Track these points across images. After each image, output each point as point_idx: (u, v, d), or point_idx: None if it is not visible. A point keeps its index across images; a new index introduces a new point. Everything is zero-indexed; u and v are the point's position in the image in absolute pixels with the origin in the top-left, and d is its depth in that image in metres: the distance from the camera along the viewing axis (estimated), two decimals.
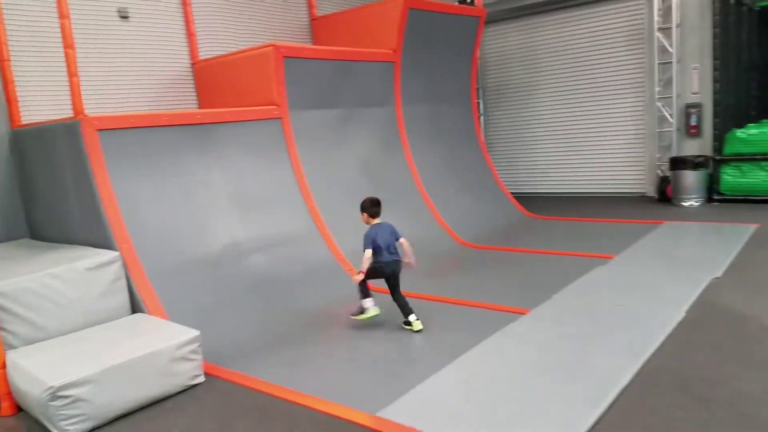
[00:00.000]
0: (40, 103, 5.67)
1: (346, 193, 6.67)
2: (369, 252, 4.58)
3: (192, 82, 7.00)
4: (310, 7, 8.35)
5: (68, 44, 4.65)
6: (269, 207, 5.83)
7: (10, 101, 5.39)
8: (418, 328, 4.57)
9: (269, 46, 6.03)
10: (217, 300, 4.93)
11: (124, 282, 4.48)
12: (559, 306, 4.82)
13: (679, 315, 4.39)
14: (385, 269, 4.68)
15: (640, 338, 4.00)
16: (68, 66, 4.69)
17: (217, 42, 7.26)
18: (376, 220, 4.82)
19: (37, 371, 3.45)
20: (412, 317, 4.62)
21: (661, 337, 4.01)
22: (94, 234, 4.71)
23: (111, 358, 3.58)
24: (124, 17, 6.31)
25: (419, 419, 3.17)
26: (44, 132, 5.06)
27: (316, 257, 5.90)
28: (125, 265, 4.51)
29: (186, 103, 6.94)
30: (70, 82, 4.72)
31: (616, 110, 9.99)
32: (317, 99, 6.64)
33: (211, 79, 6.80)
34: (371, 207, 4.82)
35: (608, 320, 4.40)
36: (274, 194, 5.93)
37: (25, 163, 5.36)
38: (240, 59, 6.38)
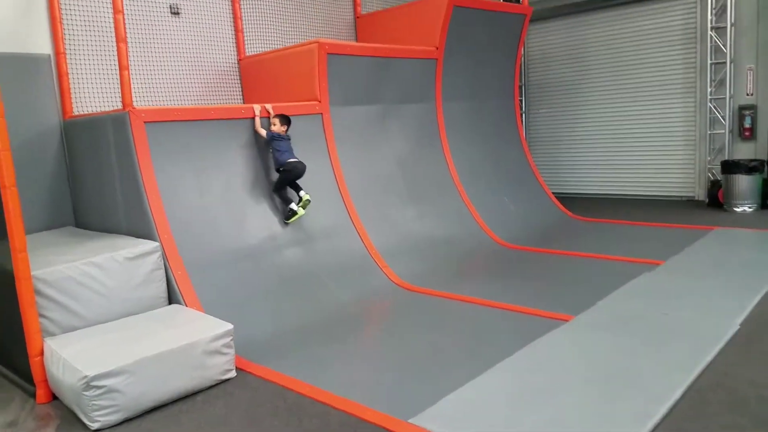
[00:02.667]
0: (91, 95, 5.62)
1: (382, 188, 6.44)
2: (265, 133, 5.26)
3: (238, 77, 6.88)
4: (355, 5, 8.12)
5: (121, 38, 4.56)
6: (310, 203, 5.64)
7: (64, 93, 5.37)
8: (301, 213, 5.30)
9: (313, 42, 5.84)
10: (252, 293, 4.77)
11: (162, 272, 4.36)
12: (605, 313, 4.42)
13: (733, 327, 3.98)
14: (292, 169, 5.23)
15: (691, 351, 3.62)
16: (119, 59, 4.61)
17: (263, 39, 7.12)
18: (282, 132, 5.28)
19: (73, 360, 3.34)
20: (294, 207, 5.29)
21: (714, 351, 3.62)
22: (136, 224, 4.62)
23: (145, 349, 3.44)
24: (175, 13, 6.23)
25: (453, 428, 2.91)
26: (94, 123, 5.00)
27: (350, 252, 5.69)
28: (164, 256, 4.40)
29: (231, 98, 6.83)
30: (121, 75, 4.64)
31: (665, 111, 9.40)
32: (358, 95, 6.42)
33: (257, 75, 6.66)
34: (281, 118, 5.29)
35: (657, 330, 4.01)
36: (312, 188, 5.74)
37: (74, 153, 5.33)
38: (285, 55, 6.21)
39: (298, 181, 5.37)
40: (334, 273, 5.37)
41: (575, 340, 3.97)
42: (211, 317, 3.97)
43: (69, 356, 3.39)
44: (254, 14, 7.00)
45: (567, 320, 4.31)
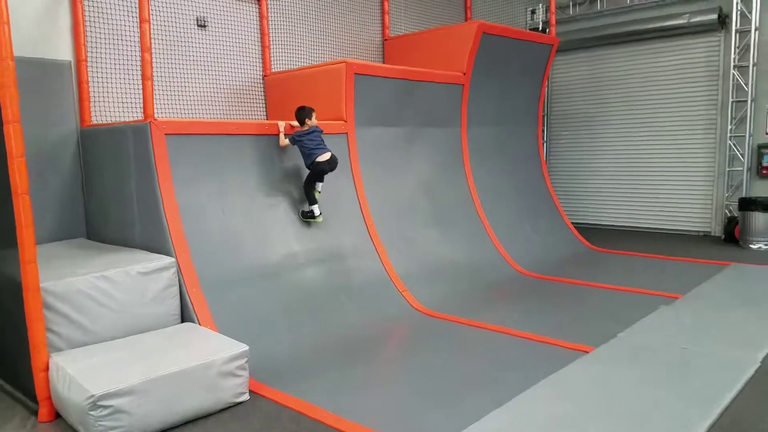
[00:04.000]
0: (111, 104, 5.43)
1: (403, 211, 6.20)
2: (288, 141, 5.03)
3: (262, 94, 6.71)
4: (384, 27, 7.99)
5: (146, 48, 4.38)
6: (328, 220, 5.41)
7: (83, 101, 5.18)
8: (320, 220, 5.13)
9: (341, 62, 5.66)
10: (269, 313, 4.51)
11: (176, 289, 4.11)
12: (625, 346, 4.21)
13: (755, 363, 3.76)
14: (325, 167, 5.00)
15: (712, 387, 3.42)
16: (143, 69, 4.43)
17: (289, 56, 6.96)
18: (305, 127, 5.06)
19: (80, 377, 3.10)
20: (315, 209, 5.09)
21: (736, 388, 3.42)
22: (152, 238, 4.39)
23: (155, 368, 3.19)
24: (202, 26, 6.08)
25: None
26: (113, 133, 4.81)
27: (370, 273, 5.43)
28: (179, 272, 4.15)
29: (254, 114, 6.65)
30: (144, 85, 4.46)
31: (685, 146, 9.16)
32: (383, 117, 6.22)
33: (282, 92, 6.48)
34: (299, 115, 5.05)
35: (677, 364, 3.82)
36: (334, 208, 5.52)
37: (91, 163, 5.13)
38: (311, 74, 6.04)
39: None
40: (354, 294, 5.11)
41: (596, 372, 3.77)
42: (226, 337, 3.71)
43: (76, 373, 3.14)
44: (282, 31, 6.86)
45: (588, 351, 4.12)
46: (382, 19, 8.03)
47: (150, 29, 4.38)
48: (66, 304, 3.55)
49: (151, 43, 4.41)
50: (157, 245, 4.34)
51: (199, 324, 4.04)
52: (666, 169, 9.35)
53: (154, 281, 3.98)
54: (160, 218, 4.32)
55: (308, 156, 4.98)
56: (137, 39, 5.31)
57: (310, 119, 5.05)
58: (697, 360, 3.87)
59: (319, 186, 5.20)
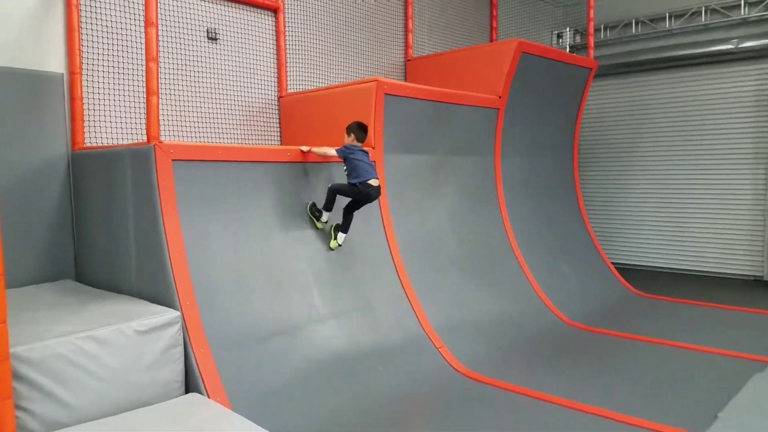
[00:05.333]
0: (108, 124, 4.80)
1: (434, 252, 5.55)
2: (333, 151, 4.45)
3: (277, 116, 6.10)
4: (407, 47, 7.45)
5: (151, 57, 3.77)
6: (354, 263, 4.75)
7: (75, 119, 4.54)
8: (334, 246, 4.57)
9: (372, 81, 5.07)
10: (287, 377, 3.80)
11: (181, 350, 3.42)
12: None
13: None
14: (372, 193, 4.40)
15: None
16: (148, 83, 3.81)
17: (305, 76, 6.37)
18: (359, 144, 4.55)
19: None
20: (341, 237, 4.57)
21: None
22: (152, 285, 3.71)
23: None
24: (213, 39, 5.50)
25: None
26: (109, 157, 4.16)
27: (402, 326, 4.74)
28: (185, 328, 3.46)
29: (267, 139, 6.03)
30: (148, 101, 3.83)
31: (731, 181, 8.55)
32: (413, 143, 5.61)
33: (299, 115, 5.87)
34: (358, 130, 4.53)
35: None
36: (360, 247, 4.86)
37: (82, 192, 4.47)
38: (335, 94, 5.43)
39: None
40: (384, 352, 4.41)
41: None
42: (241, 418, 3.00)
43: None
44: (298, 50, 6.28)
45: None
46: (405, 39, 7.50)
47: (157, 34, 3.77)
48: (43, 373, 2.85)
49: (158, 50, 3.79)
50: (157, 293, 3.65)
51: (208, 396, 3.34)
52: (709, 206, 8.73)
53: (155, 341, 3.29)
54: (162, 260, 3.64)
55: (359, 175, 4.36)
56: (141, 48, 4.72)
57: (362, 140, 4.57)
58: None
59: (341, 238, 4.61)
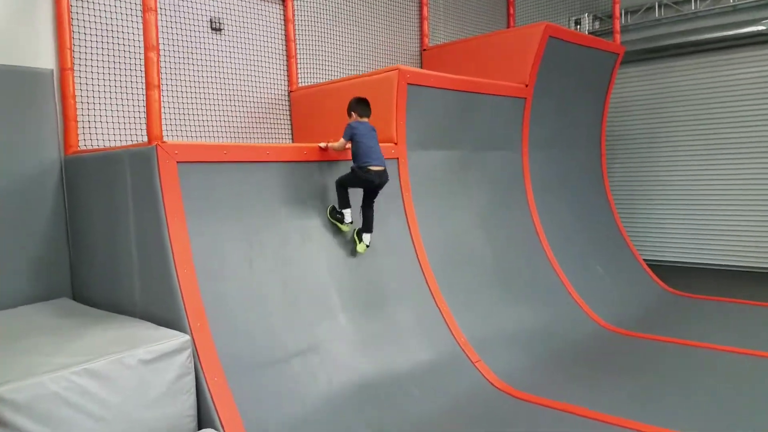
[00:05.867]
0: (105, 124, 4.37)
1: (463, 258, 5.08)
2: (343, 142, 4.00)
3: (287, 112, 5.65)
4: (422, 36, 6.98)
5: (151, 45, 3.33)
6: (379, 274, 4.30)
7: (68, 120, 4.09)
8: (362, 249, 4.10)
9: (394, 69, 4.61)
10: (314, 407, 3.35)
11: (192, 379, 2.98)
12: None
13: None
14: (374, 179, 3.93)
15: None
16: (147, 75, 3.38)
17: (315, 69, 5.91)
18: (365, 119, 4.09)
19: None
20: (366, 237, 4.11)
21: None
22: (158, 304, 3.27)
23: None
24: (217, 29, 5.05)
25: None
26: (107, 160, 3.72)
27: (435, 342, 4.30)
28: (196, 354, 3.02)
29: (277, 137, 5.58)
30: (148, 96, 3.39)
31: (765, 172, 8.06)
32: (436, 137, 5.15)
33: (312, 110, 5.42)
34: (358, 105, 4.08)
35: None
36: (385, 255, 4.41)
37: (77, 201, 4.03)
38: (352, 86, 4.96)
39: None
40: (418, 372, 3.96)
41: None
42: None
43: None
44: (308, 40, 5.83)
45: None
46: (421, 27, 7.04)
47: (157, 21, 3.32)
48: (30, 416, 2.41)
49: (158, 40, 3.34)
50: (164, 313, 3.22)
51: (224, 431, 2.89)
52: (743, 197, 8.23)
53: (162, 371, 2.85)
54: (168, 276, 3.20)
55: (358, 157, 3.94)
56: (140, 41, 4.28)
57: (367, 116, 4.10)
58: None
59: (367, 238, 4.14)
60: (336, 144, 4.07)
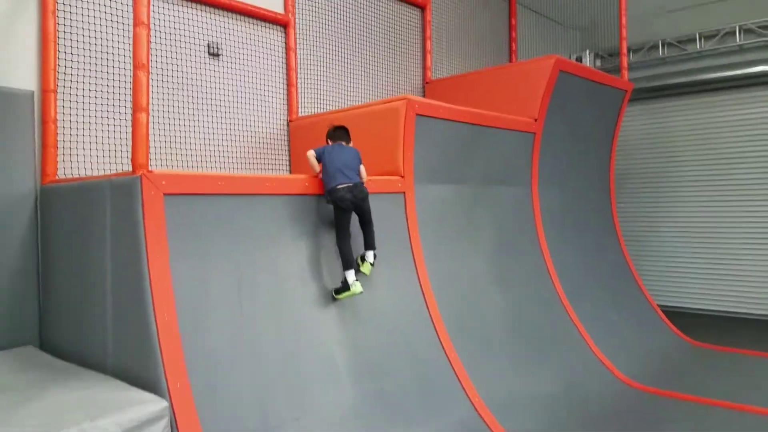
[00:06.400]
0: (87, 153, 3.96)
1: (473, 305, 4.65)
2: (312, 152, 3.70)
3: (285, 143, 5.28)
4: (425, 69, 6.70)
5: (140, 64, 2.97)
6: (384, 325, 3.86)
7: (47, 147, 3.69)
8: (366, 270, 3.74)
9: (402, 99, 4.27)
10: None
11: None
12: None
13: None
14: (345, 195, 3.52)
15: None
16: (135, 96, 3.00)
17: (315, 99, 5.58)
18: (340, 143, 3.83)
19: None
20: (369, 255, 3.76)
21: None
22: (133, 358, 2.81)
23: None
24: (214, 55, 4.71)
25: None
26: (85, 191, 3.30)
27: (450, 409, 3.82)
28: (174, 424, 2.54)
29: (275, 168, 5.21)
30: (134, 119, 3.01)
31: None
32: (443, 171, 4.79)
33: (312, 140, 5.01)
34: (335, 132, 3.88)
35: None
36: (392, 303, 3.98)
37: (51, 236, 3.59)
38: (356, 116, 4.60)
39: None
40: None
41: None
42: None
43: None
44: (310, 69, 5.51)
45: None
46: (423, 60, 6.76)
47: (149, 38, 2.96)
48: None
49: (149, 59, 2.97)
50: (139, 370, 2.75)
51: None
52: (757, 241, 7.91)
53: None
54: (146, 326, 2.75)
55: (327, 182, 3.60)
56: (130, 63, 3.92)
57: (344, 141, 3.84)
58: None
59: (370, 256, 3.76)
60: (309, 153, 3.74)
